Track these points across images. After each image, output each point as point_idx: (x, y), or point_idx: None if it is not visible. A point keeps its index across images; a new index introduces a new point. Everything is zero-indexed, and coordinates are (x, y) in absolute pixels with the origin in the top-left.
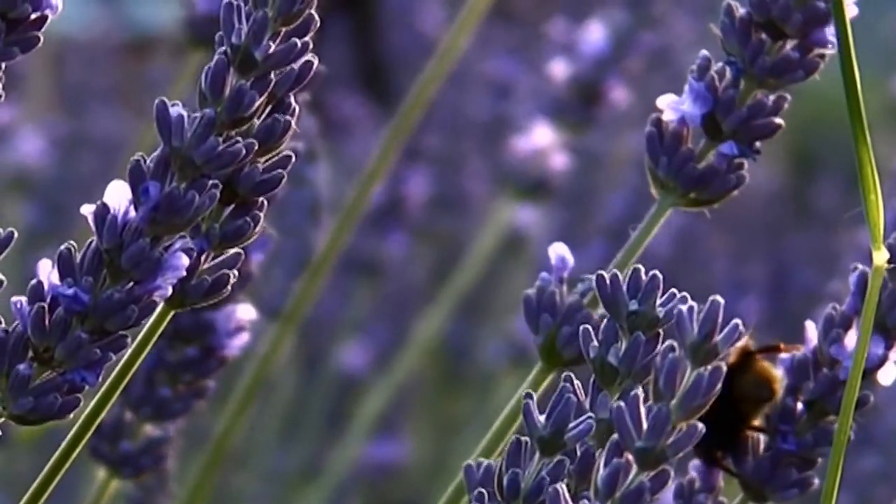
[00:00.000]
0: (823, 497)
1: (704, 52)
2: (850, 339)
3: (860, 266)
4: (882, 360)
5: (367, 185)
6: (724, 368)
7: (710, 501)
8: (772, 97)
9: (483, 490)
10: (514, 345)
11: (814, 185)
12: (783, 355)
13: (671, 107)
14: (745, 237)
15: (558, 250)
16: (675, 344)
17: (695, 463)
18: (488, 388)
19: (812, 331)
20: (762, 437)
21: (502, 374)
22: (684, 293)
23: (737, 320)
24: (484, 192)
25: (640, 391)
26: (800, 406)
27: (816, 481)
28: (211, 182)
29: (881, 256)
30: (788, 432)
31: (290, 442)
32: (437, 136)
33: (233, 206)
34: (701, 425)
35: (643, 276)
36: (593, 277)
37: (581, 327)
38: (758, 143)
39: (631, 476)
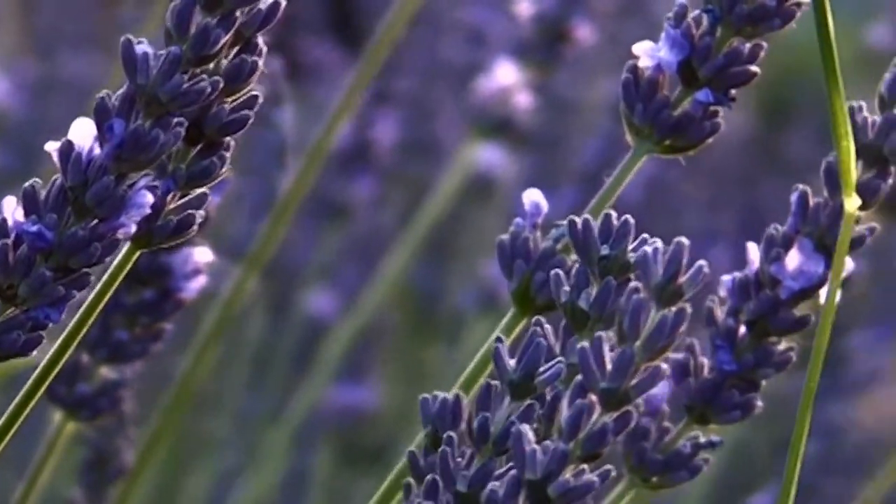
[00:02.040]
0: (791, 447)
1: None
2: (791, 258)
3: (801, 186)
4: (822, 279)
5: (331, 127)
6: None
7: (654, 425)
8: (748, 45)
9: (452, 433)
10: (484, 289)
11: (787, 133)
12: (725, 277)
13: (647, 53)
14: (719, 185)
15: (532, 196)
16: (641, 286)
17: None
18: (459, 332)
19: (754, 252)
20: (705, 360)
21: (473, 318)
22: (655, 238)
23: (702, 262)
24: (456, 137)
25: (605, 334)
26: (742, 328)
27: (759, 403)
28: (176, 120)
29: (852, 203)
30: (730, 353)
31: (258, 386)
32: (410, 81)
33: (199, 146)
34: (665, 366)
35: (615, 222)
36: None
37: (553, 272)
38: (733, 91)
39: (595, 417)
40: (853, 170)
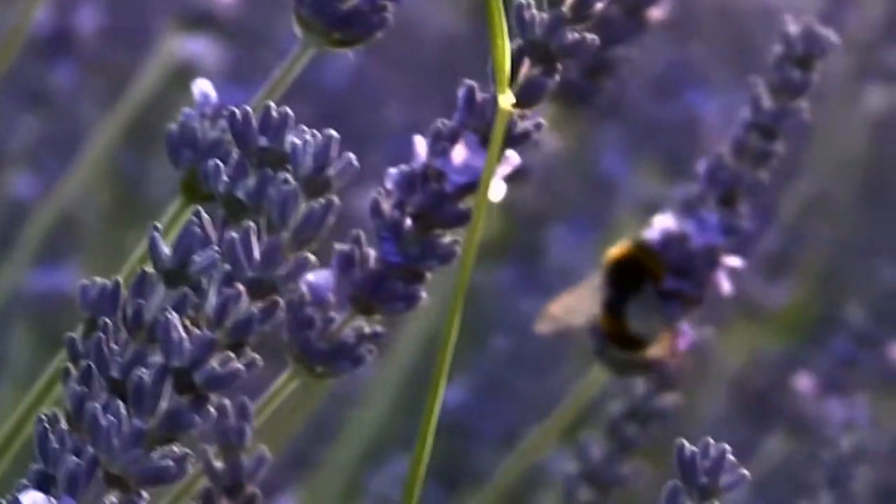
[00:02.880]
0: (443, 339)
1: None
2: (457, 152)
3: (468, 81)
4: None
5: (26, 12)
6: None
7: (319, 315)
8: None
9: (108, 319)
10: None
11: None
12: (391, 170)
13: None
14: (424, 80)
15: (201, 86)
16: (290, 177)
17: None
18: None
19: (420, 145)
20: (370, 252)
21: (171, 205)
22: (304, 127)
23: (350, 155)
24: (160, 27)
25: (255, 224)
26: (407, 220)
27: (424, 295)
28: None
29: (506, 99)
30: (395, 245)
31: None
32: None
33: None
34: (312, 257)
35: (275, 114)
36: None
37: (212, 162)
38: None
39: (241, 305)
40: (506, 67)
